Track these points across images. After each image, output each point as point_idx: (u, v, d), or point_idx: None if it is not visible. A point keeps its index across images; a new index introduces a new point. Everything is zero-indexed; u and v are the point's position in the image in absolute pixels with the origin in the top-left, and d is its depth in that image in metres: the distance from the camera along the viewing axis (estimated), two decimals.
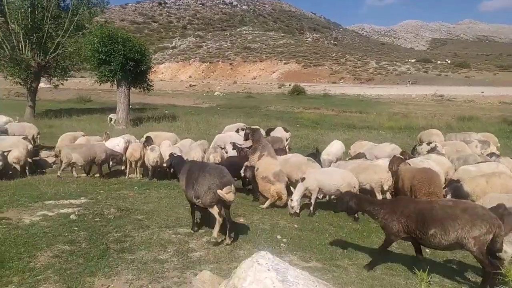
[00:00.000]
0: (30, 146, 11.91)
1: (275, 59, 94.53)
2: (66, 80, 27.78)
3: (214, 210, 5.36)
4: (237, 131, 15.40)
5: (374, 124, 24.19)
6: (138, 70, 22.24)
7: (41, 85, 28.92)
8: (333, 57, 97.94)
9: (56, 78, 26.73)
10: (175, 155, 7.19)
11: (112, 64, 21.03)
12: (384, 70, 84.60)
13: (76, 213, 6.25)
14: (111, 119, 21.98)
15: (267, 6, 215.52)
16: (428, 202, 5.00)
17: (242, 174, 9.25)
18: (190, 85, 66.82)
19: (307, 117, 29.02)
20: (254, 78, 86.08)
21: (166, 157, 10.19)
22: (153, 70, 24.05)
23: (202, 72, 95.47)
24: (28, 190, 8.22)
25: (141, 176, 10.61)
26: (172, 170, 7.93)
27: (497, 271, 4.13)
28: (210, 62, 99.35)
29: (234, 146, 11.62)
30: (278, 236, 6.04)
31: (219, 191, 5.18)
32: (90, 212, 6.38)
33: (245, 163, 9.30)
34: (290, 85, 67.04)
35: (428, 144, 12.37)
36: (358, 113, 32.67)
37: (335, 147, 11.43)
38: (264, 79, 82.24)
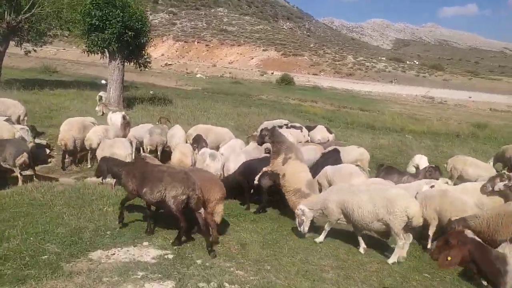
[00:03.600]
0: (18, 134, 8.49)
1: (254, 45, 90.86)
2: (41, 46, 23.37)
3: (17, 170, 7.29)
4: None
5: (393, 126, 22.22)
6: (137, 42, 18.71)
7: None
8: (311, 48, 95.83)
9: (29, 43, 22.28)
10: None
11: (106, 32, 17.37)
12: (363, 66, 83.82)
13: None
14: (100, 98, 18.31)
15: None
16: (154, 166, 5.60)
17: (256, 182, 6.90)
18: (166, 64, 62.22)
19: (313, 111, 26.68)
20: (231, 62, 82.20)
21: (229, 167, 7.39)
22: (152, 44, 20.46)
23: (176, 51, 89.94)
24: (46, 220, 5.09)
25: None
26: None
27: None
28: (185, 42, 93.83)
29: None
30: None
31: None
32: None
33: (263, 168, 6.90)
34: (272, 73, 64.40)
35: None
36: (360, 111, 30.88)
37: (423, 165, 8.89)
38: (242, 64, 78.71)
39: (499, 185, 6.02)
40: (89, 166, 9.10)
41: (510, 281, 3.22)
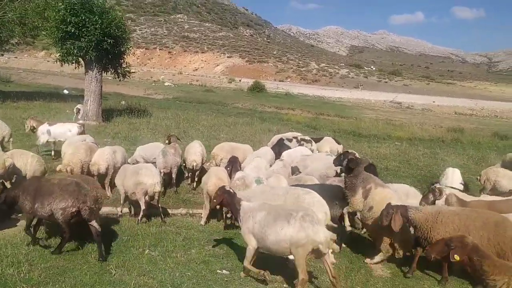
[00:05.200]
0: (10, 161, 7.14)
1: (218, 52, 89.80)
2: (2, 55, 21.25)
3: None
4: (281, 140, 11.89)
5: (379, 133, 22.20)
6: (116, 50, 17.43)
7: None
8: (275, 55, 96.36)
9: None
10: None
11: (83, 39, 15.98)
12: (327, 72, 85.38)
13: None
14: (78, 111, 16.77)
15: None
16: (46, 180, 5.63)
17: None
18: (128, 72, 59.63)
19: (295, 119, 26.23)
20: (196, 69, 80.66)
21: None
22: (132, 52, 19.21)
23: (138, 58, 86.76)
24: (93, 278, 4.19)
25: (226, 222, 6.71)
26: None
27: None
28: (146, 49, 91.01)
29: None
30: None
31: None
32: None
33: (344, 211, 6.13)
34: (240, 80, 63.80)
35: None
36: (338, 117, 30.96)
37: (457, 181, 8.55)
38: (207, 71, 77.44)
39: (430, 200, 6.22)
40: None
41: (240, 213, 4.89)
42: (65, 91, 31.60)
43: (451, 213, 5.12)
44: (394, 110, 41.36)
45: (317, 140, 12.50)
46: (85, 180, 5.80)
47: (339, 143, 12.53)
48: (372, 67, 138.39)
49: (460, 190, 7.66)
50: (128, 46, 18.21)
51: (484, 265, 3.69)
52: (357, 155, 6.64)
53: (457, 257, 3.80)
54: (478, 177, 8.82)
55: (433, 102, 48.56)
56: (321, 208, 5.46)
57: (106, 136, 13.89)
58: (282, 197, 5.62)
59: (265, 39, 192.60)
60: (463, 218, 5.01)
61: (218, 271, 4.79)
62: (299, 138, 11.73)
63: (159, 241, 5.51)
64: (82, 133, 10.32)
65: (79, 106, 17.04)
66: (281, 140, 11.77)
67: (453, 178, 8.56)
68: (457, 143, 20.65)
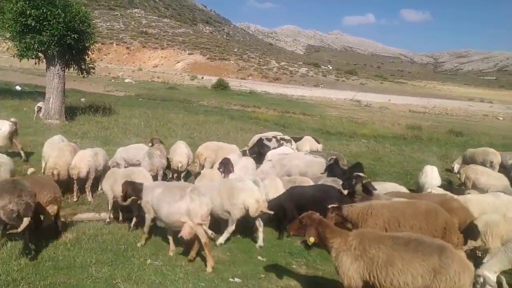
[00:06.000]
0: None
1: (178, 48, 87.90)
2: None
3: None
4: (260, 140, 11.87)
5: (345, 131, 22.75)
6: (80, 46, 16.59)
7: None
8: (236, 53, 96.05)
9: None
10: None
11: (44, 33, 15.04)
12: (287, 71, 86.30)
13: None
14: (39, 109, 15.78)
15: None
16: None
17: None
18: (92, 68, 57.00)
19: (263, 117, 26.30)
20: (156, 66, 78.47)
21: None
22: (96, 47, 18.46)
23: (92, 53, 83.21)
24: None
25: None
26: None
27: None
28: (102, 43, 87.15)
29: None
30: None
31: None
32: None
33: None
34: (202, 78, 62.93)
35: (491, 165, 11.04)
36: (302, 115, 31.39)
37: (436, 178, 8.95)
38: (167, 68, 75.62)
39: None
40: (75, 199, 7.46)
41: (143, 192, 5.56)
42: (18, 87, 29.66)
43: (381, 206, 5.28)
44: (354, 108, 42.62)
45: (297, 139, 12.60)
46: (39, 181, 5.82)
47: (318, 142, 12.71)
48: (329, 66, 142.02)
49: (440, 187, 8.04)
50: (93, 41, 17.35)
51: (326, 233, 4.20)
52: (369, 179, 6.56)
53: (312, 239, 4.16)
54: (458, 175, 9.28)
55: (389, 100, 50.58)
56: (252, 195, 5.90)
57: (74, 136, 13.16)
58: (217, 186, 6.15)
59: (225, 36, 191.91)
60: (392, 210, 5.16)
61: (230, 279, 4.67)
62: (278, 137, 11.76)
63: (159, 250, 5.28)
64: (14, 131, 9.48)
65: (40, 104, 16.06)
66: (260, 140, 11.75)
67: (432, 175, 8.95)
68: (418, 140, 21.63)
